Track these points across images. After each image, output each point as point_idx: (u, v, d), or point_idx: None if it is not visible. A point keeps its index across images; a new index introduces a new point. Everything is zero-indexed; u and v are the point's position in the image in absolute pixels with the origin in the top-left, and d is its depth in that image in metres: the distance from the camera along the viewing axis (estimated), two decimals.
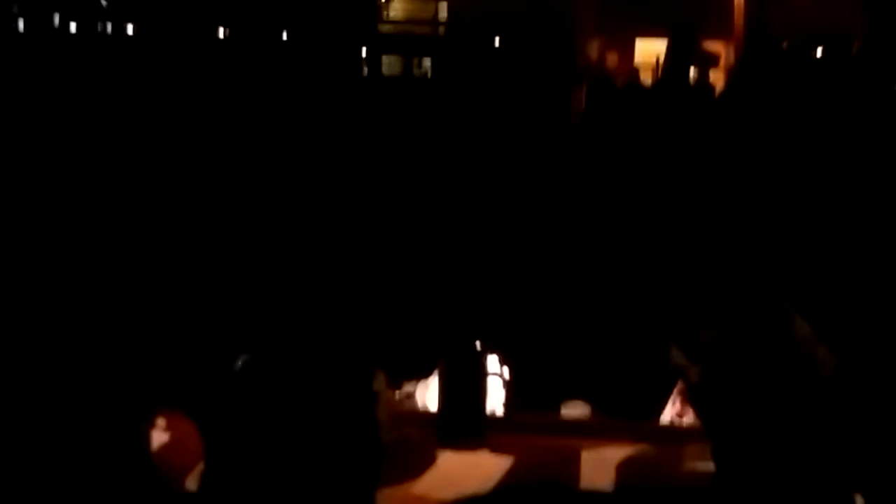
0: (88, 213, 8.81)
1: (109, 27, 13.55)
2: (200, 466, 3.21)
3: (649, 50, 13.36)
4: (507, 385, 3.95)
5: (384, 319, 3.67)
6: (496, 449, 3.66)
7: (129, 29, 13.56)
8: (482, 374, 3.78)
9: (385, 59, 13.30)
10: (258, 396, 3.01)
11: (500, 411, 3.97)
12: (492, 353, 3.87)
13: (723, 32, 13.60)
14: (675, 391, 3.92)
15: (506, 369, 3.97)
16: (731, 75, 12.36)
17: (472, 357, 3.73)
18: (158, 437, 3.39)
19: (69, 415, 3.29)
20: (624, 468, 3.54)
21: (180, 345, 4.01)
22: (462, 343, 3.76)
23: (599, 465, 3.54)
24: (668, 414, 3.99)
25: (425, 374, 3.94)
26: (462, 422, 3.71)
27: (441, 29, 13.76)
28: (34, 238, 8.28)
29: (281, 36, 13.18)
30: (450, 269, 7.06)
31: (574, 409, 4.03)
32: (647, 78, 12.82)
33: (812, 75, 12.34)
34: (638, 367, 4.28)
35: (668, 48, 12.70)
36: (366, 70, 13.04)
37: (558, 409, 4.05)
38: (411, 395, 4.08)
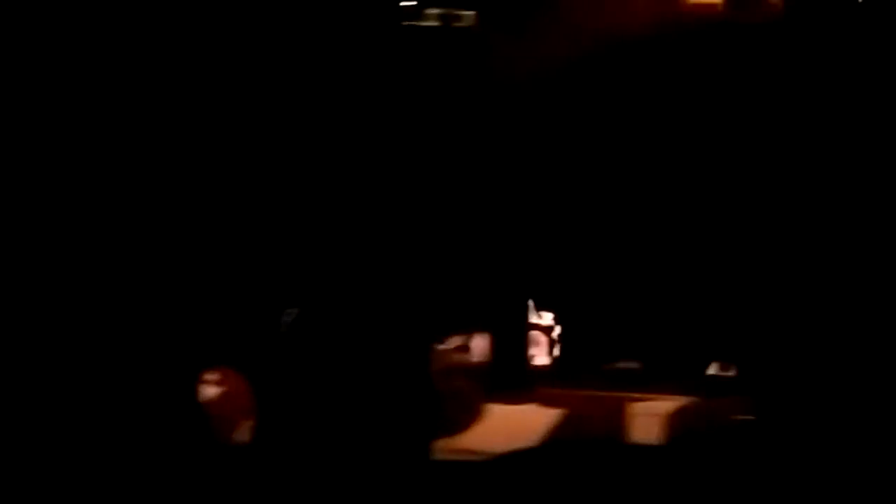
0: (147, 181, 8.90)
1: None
2: (251, 420, 3.24)
3: None
4: (557, 340, 3.95)
5: (436, 273, 3.68)
6: (544, 402, 3.67)
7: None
8: (530, 328, 3.80)
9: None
10: (308, 350, 3.03)
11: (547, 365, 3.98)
12: (543, 309, 3.88)
13: None
14: None
15: (555, 325, 3.97)
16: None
17: (521, 311, 3.73)
18: (210, 390, 3.41)
19: (123, 371, 3.31)
20: (670, 420, 3.54)
21: (230, 299, 4.02)
22: (512, 298, 3.77)
23: (646, 417, 3.55)
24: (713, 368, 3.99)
25: (475, 328, 3.95)
26: (510, 375, 3.73)
27: None
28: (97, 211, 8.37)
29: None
30: (503, 223, 7.04)
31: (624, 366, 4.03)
32: None
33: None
34: (686, 325, 4.28)
35: None
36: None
37: (607, 366, 4.04)
38: (461, 348, 4.09)
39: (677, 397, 3.66)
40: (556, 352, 3.90)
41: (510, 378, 3.73)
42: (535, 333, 3.89)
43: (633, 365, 3.99)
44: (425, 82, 4.37)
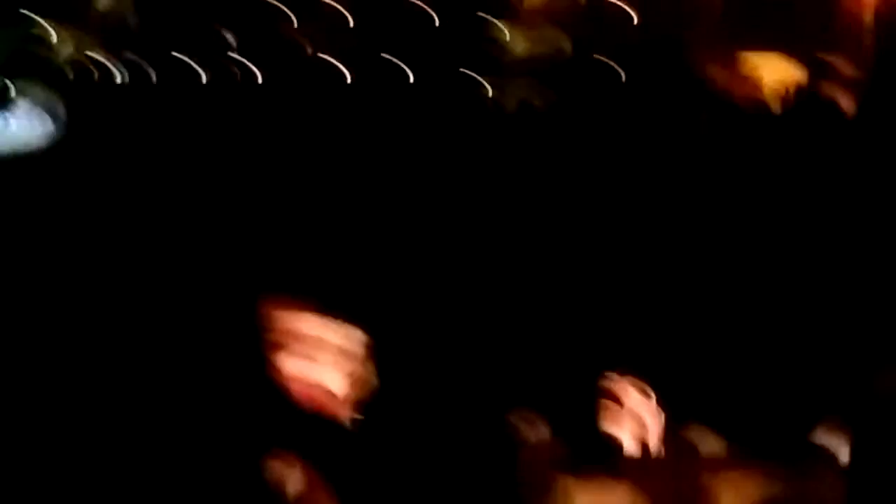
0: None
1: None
2: None
3: (766, 66, 13.17)
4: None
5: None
6: (623, 477, 3.65)
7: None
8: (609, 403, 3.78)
9: (505, 89, 13.32)
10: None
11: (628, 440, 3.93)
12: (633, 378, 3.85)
13: (842, 48, 13.34)
14: None
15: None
16: (862, 93, 12.13)
17: (598, 385, 3.72)
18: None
19: None
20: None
21: None
22: (596, 371, 3.75)
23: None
24: None
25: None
26: (588, 450, 3.71)
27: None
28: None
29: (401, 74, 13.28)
30: (581, 299, 7.06)
31: (702, 439, 3.98)
32: (769, 96, 12.64)
33: None
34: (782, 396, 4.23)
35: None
36: (489, 102, 13.07)
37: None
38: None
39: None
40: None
41: (588, 453, 3.71)
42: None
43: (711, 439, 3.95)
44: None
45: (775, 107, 12.26)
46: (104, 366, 6.68)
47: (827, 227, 9.33)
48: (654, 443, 3.76)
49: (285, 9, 14.07)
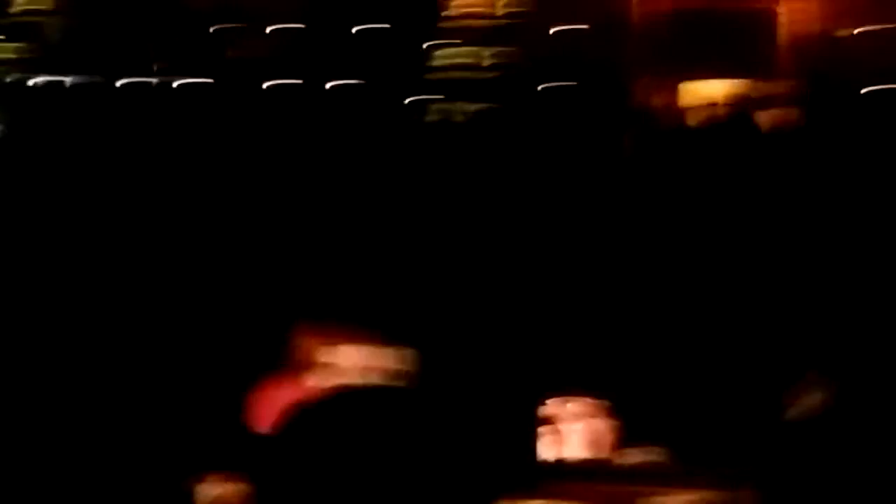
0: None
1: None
2: None
3: (697, 90, 13.25)
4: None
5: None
6: (552, 496, 3.54)
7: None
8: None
9: (430, 105, 13.25)
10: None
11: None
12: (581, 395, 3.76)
13: (770, 73, 13.47)
14: None
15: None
16: (792, 116, 12.22)
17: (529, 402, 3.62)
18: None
19: None
20: None
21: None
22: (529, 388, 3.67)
23: None
24: None
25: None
26: (517, 468, 3.59)
27: (488, 73, 13.69)
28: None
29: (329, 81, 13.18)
30: (526, 316, 6.99)
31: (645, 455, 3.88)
32: (695, 118, 12.70)
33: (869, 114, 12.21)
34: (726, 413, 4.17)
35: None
36: (412, 115, 13.00)
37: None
38: None
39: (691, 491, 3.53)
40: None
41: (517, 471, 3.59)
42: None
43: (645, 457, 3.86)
44: None
45: (701, 127, 12.32)
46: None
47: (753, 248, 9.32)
48: (598, 463, 3.69)
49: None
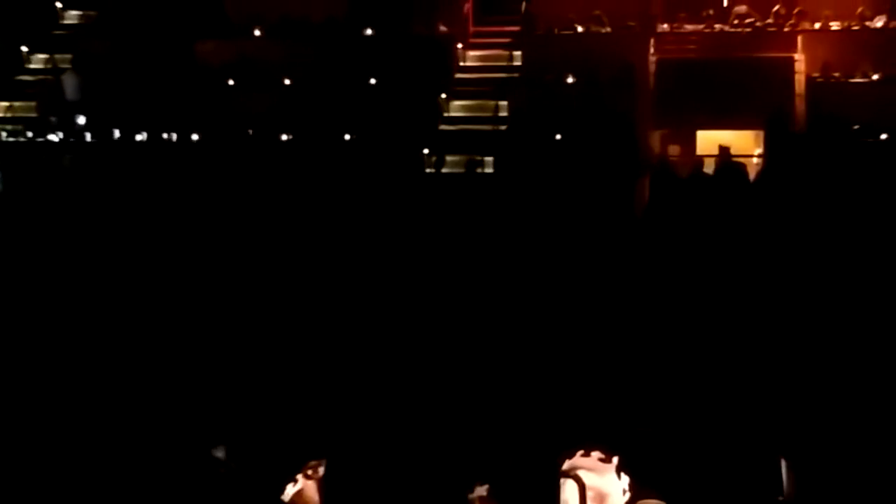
0: None
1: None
2: None
3: (713, 140, 13.25)
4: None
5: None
6: None
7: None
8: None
9: (445, 156, 13.28)
10: None
11: None
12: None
13: (789, 122, 13.45)
14: None
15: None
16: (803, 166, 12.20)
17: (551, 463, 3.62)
18: None
19: None
20: None
21: None
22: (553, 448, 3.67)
23: None
24: None
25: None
26: None
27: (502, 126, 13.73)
28: None
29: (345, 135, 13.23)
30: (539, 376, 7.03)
31: None
32: (711, 167, 12.69)
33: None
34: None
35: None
36: (429, 168, 13.04)
37: None
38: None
39: None
40: None
41: None
42: None
43: None
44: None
45: (716, 176, 12.30)
46: None
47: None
48: None
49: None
